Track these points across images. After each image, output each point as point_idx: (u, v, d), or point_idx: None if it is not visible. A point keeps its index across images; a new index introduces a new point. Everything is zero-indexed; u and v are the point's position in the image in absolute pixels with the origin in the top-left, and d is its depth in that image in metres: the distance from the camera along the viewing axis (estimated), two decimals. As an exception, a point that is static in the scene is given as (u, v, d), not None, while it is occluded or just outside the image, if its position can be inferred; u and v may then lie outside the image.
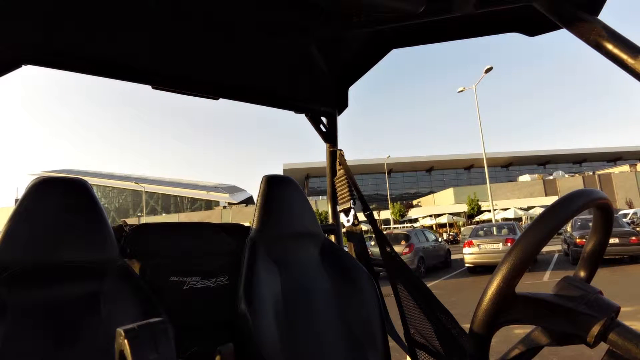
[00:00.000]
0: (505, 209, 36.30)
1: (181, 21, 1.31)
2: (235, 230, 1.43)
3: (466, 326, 0.76)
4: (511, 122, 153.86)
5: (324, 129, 1.90)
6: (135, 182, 54.96)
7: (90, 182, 1.10)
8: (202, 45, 1.43)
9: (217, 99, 1.56)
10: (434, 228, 37.80)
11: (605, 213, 0.65)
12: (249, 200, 60.25)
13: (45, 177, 1.03)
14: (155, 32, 1.32)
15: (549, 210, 0.55)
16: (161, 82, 1.42)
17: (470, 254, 11.22)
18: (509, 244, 10.45)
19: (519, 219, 32.35)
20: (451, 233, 32.77)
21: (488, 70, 20.68)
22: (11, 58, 1.15)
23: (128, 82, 1.38)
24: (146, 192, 56.50)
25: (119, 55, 1.33)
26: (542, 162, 65.85)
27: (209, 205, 59.97)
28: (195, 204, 62.72)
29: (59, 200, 1.00)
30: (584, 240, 10.06)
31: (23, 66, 1.18)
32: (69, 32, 1.20)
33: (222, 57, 1.50)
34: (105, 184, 66.97)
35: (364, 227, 1.85)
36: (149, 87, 1.41)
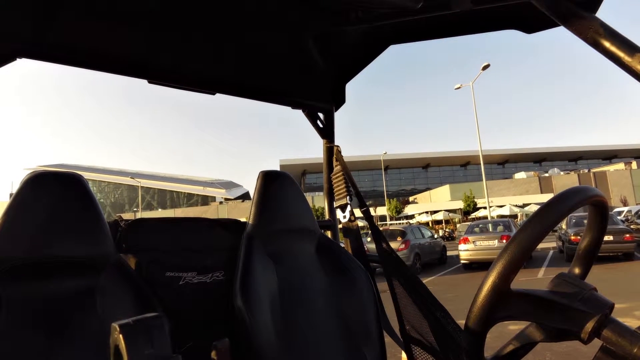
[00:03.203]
0: (501, 206, 36.43)
1: (178, 15, 1.30)
2: (231, 225, 1.43)
3: (461, 322, 0.76)
4: (508, 119, 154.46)
5: (321, 125, 1.90)
6: (131, 177, 54.72)
7: (85, 177, 1.09)
8: (199, 39, 1.42)
9: (213, 94, 1.55)
10: (430, 224, 37.91)
11: (601, 210, 0.66)
12: (245, 196, 60.18)
13: (40, 172, 1.02)
14: (151, 26, 1.31)
15: (545, 207, 0.55)
16: (158, 77, 1.41)
17: (465, 251, 11.28)
18: (504, 241, 10.51)
19: (515, 216, 32.50)
20: (447, 229, 32.93)
21: (485, 68, 20.69)
22: (6, 51, 1.14)
23: (124, 76, 1.37)
24: (142, 187, 56.28)
25: (115, 49, 1.32)
26: (538, 160, 66.10)
27: (206, 200, 59.86)
28: (191, 200, 62.60)
29: (54, 195, 0.99)
30: (579, 237, 10.13)
31: (18, 59, 1.17)
32: (64, 25, 1.19)
33: (219, 52, 1.49)
34: (100, 179, 66.70)
35: (361, 223, 1.85)
36: (145, 81, 1.40)
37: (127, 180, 59.43)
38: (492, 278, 0.53)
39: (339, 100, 1.88)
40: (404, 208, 43.53)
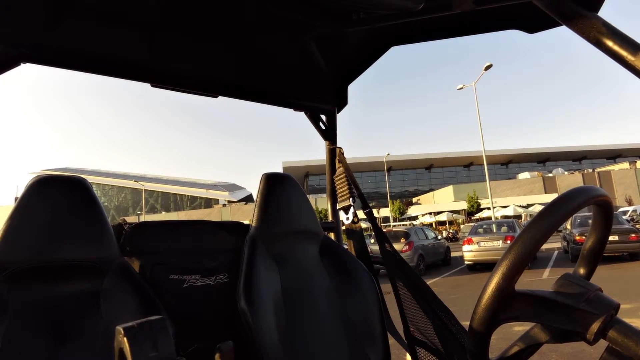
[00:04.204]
0: (505, 207, 36.31)
1: (180, 20, 1.31)
2: (234, 228, 1.43)
3: (466, 323, 0.76)
4: (511, 119, 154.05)
5: (323, 127, 1.90)
6: (134, 181, 54.96)
7: (89, 181, 1.10)
8: (201, 43, 1.42)
9: (216, 96, 1.56)
10: (434, 226, 37.82)
11: (605, 210, 0.65)
12: (248, 198, 60.24)
13: (44, 176, 1.03)
14: (154, 29, 1.32)
15: (549, 207, 0.55)
16: (160, 80, 1.42)
17: (469, 252, 11.24)
18: (508, 242, 10.45)
19: (519, 217, 32.37)
20: (451, 231, 32.84)
21: (487, 68, 20.62)
22: (10, 56, 1.15)
23: (127, 80, 1.37)
24: (146, 190, 56.51)
25: (118, 53, 1.33)
26: (542, 160, 65.82)
27: (209, 203, 60.00)
28: (194, 202, 62.76)
29: (59, 198, 1.00)
30: (584, 237, 10.08)
31: (22, 64, 1.18)
32: (68, 30, 1.20)
33: (221, 55, 1.50)
34: (104, 183, 67.06)
35: (364, 224, 1.85)
36: (148, 85, 1.40)
37: (131, 184, 59.70)
38: (497, 279, 0.53)
39: (341, 101, 1.89)
40: (407, 209, 43.46)
